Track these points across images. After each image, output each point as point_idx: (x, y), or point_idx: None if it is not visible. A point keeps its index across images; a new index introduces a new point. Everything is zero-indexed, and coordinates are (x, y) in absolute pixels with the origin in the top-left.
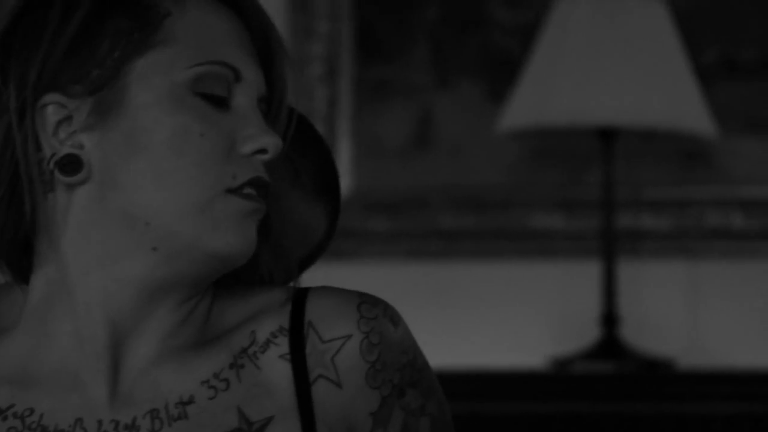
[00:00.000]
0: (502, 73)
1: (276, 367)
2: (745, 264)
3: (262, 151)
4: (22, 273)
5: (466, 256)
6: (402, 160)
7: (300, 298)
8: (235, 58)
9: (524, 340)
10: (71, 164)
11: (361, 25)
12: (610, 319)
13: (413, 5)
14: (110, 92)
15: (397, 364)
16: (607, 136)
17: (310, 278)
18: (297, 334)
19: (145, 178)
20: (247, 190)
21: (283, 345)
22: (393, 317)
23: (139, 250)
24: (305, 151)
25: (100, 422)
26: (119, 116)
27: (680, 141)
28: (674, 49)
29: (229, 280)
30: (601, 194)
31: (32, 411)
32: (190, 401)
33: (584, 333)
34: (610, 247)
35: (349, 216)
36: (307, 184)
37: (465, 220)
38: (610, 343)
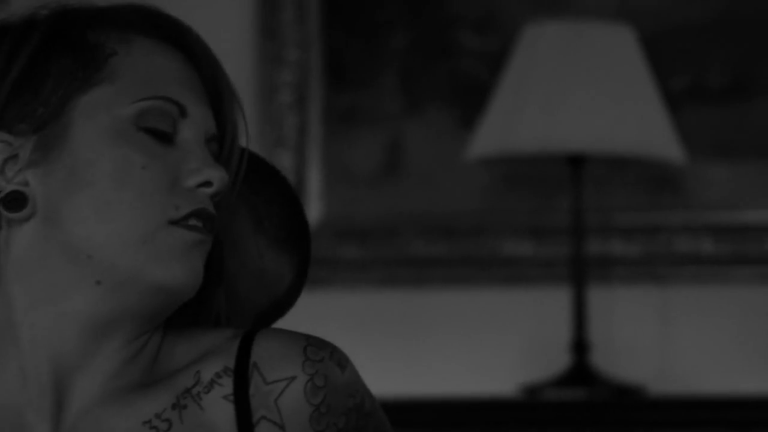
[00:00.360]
0: (471, 99)
1: (219, 407)
2: (715, 289)
3: (207, 183)
4: None
5: (436, 283)
6: (372, 187)
7: (247, 340)
8: (181, 95)
9: (495, 367)
10: (16, 201)
11: (330, 53)
12: (580, 345)
13: (382, 32)
14: (54, 129)
15: (343, 408)
16: (576, 162)
17: None
18: (242, 375)
19: (87, 211)
20: (192, 222)
21: (227, 386)
22: (340, 361)
23: (82, 285)
24: (272, 198)
25: None
26: (63, 152)
27: (649, 167)
28: (642, 75)
29: (184, 322)
30: (570, 221)
31: None
32: None
33: (555, 360)
34: (580, 274)
35: (319, 244)
36: (270, 231)
37: (436, 248)
38: (580, 369)
